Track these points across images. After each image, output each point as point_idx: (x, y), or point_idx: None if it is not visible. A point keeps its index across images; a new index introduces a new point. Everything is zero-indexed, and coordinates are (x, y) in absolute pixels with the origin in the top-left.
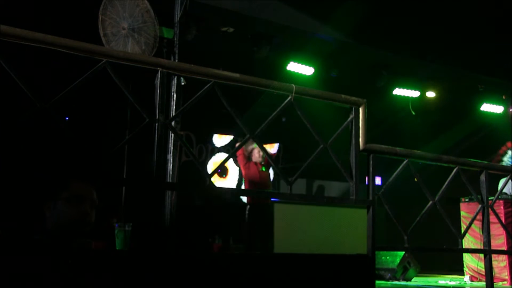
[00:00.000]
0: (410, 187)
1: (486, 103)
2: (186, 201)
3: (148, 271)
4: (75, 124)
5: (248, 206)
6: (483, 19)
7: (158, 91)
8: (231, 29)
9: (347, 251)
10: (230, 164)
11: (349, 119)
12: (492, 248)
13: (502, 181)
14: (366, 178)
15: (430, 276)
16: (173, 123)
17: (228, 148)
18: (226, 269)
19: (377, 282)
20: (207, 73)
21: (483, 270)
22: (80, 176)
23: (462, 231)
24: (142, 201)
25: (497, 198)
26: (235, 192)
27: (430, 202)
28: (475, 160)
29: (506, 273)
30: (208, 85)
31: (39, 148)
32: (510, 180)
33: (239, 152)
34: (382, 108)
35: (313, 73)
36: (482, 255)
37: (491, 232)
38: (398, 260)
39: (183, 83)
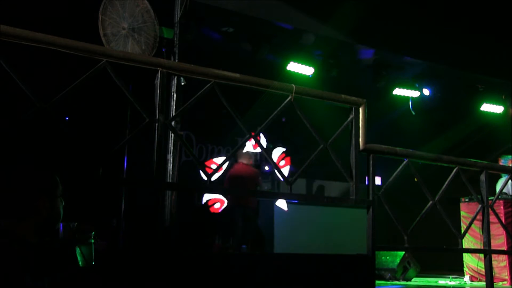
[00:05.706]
0: (410, 187)
1: (486, 103)
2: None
3: (148, 271)
4: (75, 124)
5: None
6: (483, 19)
7: (158, 91)
8: (231, 29)
9: (347, 251)
10: None
11: (349, 119)
12: (492, 248)
13: (501, 181)
14: (366, 178)
15: (430, 276)
16: (173, 123)
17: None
18: (226, 269)
19: (377, 282)
20: (207, 73)
21: (483, 270)
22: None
23: (462, 231)
24: (142, 201)
25: (497, 198)
26: (234, 192)
27: (430, 202)
28: (475, 160)
29: (506, 273)
30: (208, 85)
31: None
32: (510, 180)
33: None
34: (382, 108)
35: (313, 73)
36: (482, 255)
37: (491, 232)
38: (398, 260)
39: (183, 83)
